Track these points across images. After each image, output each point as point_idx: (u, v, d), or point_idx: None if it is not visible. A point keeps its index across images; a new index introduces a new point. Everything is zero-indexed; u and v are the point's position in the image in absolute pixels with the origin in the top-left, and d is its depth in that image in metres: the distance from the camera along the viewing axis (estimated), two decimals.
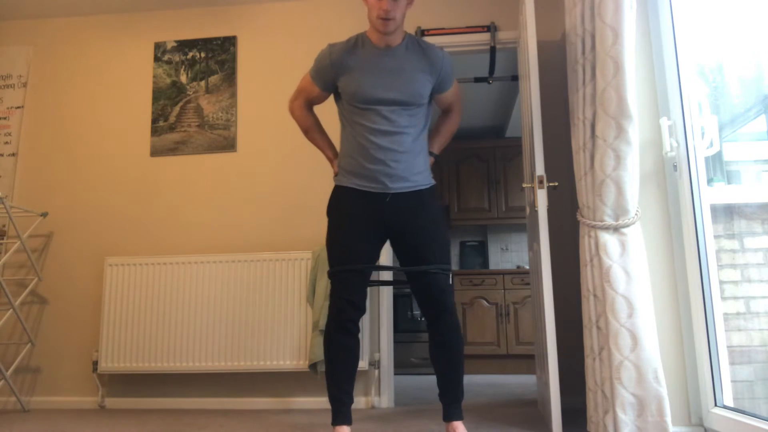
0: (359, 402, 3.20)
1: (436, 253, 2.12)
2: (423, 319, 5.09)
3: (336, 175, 2.25)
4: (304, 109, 2.32)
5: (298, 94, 2.31)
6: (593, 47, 2.24)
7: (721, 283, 2.30)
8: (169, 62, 3.70)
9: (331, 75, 2.21)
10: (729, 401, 2.10)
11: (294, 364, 3.14)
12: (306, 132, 2.35)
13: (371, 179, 2.13)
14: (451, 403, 2.14)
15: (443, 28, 3.48)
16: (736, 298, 2.33)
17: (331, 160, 2.33)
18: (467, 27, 3.48)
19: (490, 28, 3.45)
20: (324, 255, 3.22)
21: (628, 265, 2.10)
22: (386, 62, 2.17)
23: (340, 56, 2.18)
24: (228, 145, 3.57)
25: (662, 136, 2.27)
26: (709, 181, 2.31)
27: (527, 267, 5.55)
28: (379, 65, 2.17)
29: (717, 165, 2.47)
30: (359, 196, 2.15)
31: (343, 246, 2.12)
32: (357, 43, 2.21)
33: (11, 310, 3.29)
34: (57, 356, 3.43)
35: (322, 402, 3.22)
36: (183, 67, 3.69)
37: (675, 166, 2.27)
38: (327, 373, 2.12)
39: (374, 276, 3.24)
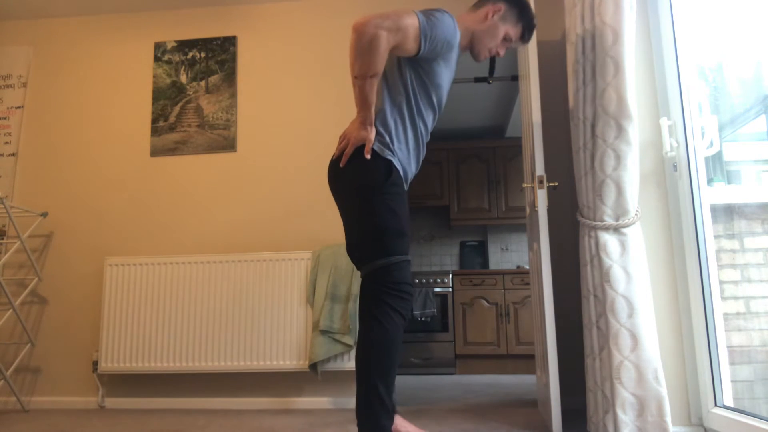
0: None
1: None
2: (423, 318, 5.11)
3: (383, 147, 1.94)
4: (389, 49, 1.80)
5: (394, 31, 1.77)
6: (593, 47, 2.24)
7: (721, 283, 2.30)
8: (169, 62, 3.70)
9: (443, 52, 1.90)
10: (729, 401, 2.10)
11: (294, 364, 3.14)
12: (372, 75, 1.81)
13: (406, 180, 2.03)
14: None
15: None
16: (736, 298, 2.33)
17: (369, 124, 1.91)
18: None
19: None
20: (324, 254, 3.22)
21: (628, 265, 2.10)
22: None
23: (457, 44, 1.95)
24: (228, 145, 3.57)
25: (662, 136, 2.27)
26: (709, 181, 2.31)
27: (527, 267, 5.55)
28: (452, 77, 2.08)
29: (717, 165, 2.47)
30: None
31: (407, 234, 1.93)
32: None
33: (11, 310, 3.29)
34: (57, 356, 3.43)
35: (322, 402, 3.22)
36: (183, 67, 3.69)
37: (675, 166, 2.27)
38: (385, 365, 1.88)
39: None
